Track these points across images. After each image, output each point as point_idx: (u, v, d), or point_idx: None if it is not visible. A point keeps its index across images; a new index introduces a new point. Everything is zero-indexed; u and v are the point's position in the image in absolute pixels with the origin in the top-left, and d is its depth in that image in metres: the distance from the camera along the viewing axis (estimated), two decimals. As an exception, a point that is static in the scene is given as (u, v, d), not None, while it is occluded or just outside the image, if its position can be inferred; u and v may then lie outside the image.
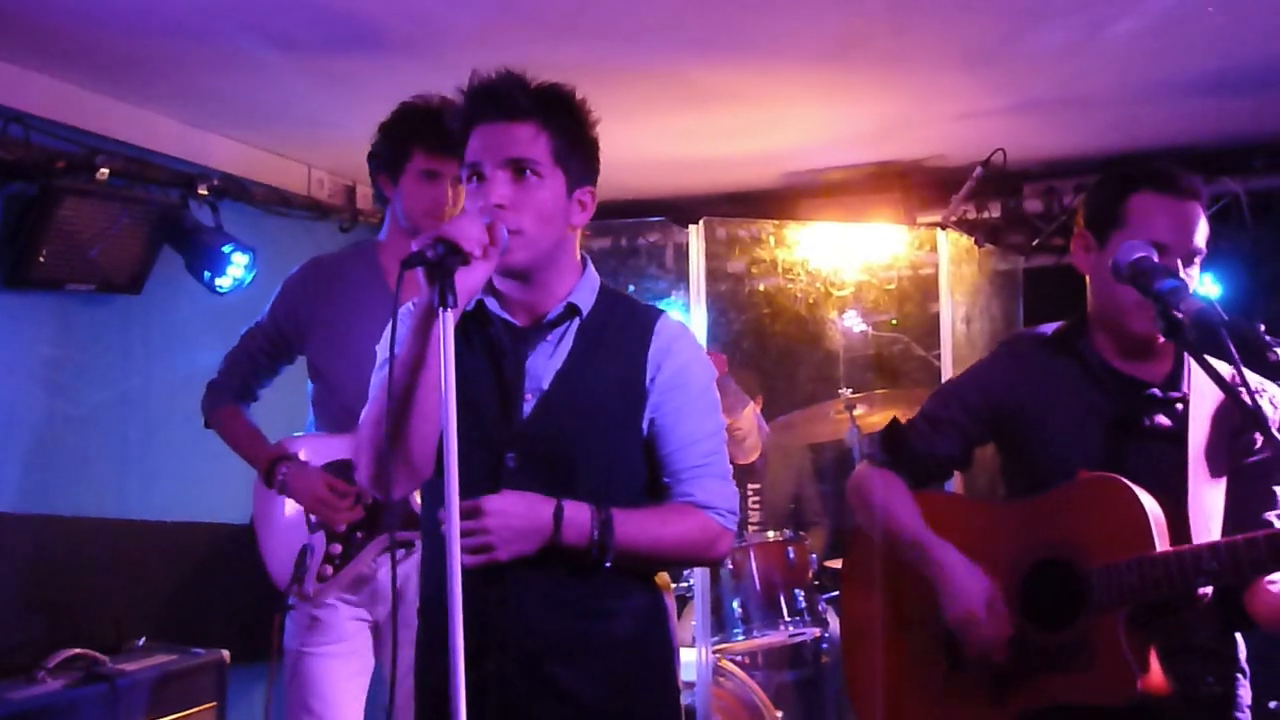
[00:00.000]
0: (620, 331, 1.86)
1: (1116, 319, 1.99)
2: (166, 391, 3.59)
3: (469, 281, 1.63)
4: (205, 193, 3.57)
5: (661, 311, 1.93)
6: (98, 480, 3.45)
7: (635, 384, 1.84)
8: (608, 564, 1.73)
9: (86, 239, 3.21)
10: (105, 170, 3.24)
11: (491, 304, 1.86)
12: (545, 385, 1.83)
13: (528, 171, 1.75)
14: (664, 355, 1.85)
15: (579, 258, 1.90)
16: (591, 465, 1.82)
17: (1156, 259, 1.78)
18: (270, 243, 3.78)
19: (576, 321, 1.86)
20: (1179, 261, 1.90)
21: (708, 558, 1.89)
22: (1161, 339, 1.96)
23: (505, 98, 1.75)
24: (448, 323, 1.53)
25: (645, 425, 1.85)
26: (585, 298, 1.87)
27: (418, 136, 2.61)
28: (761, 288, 4.58)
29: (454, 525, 1.49)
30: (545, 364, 1.84)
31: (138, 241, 3.37)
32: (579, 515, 1.74)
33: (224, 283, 3.52)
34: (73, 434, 3.37)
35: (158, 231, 3.41)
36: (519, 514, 1.72)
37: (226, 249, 3.48)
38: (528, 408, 1.82)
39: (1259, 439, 1.93)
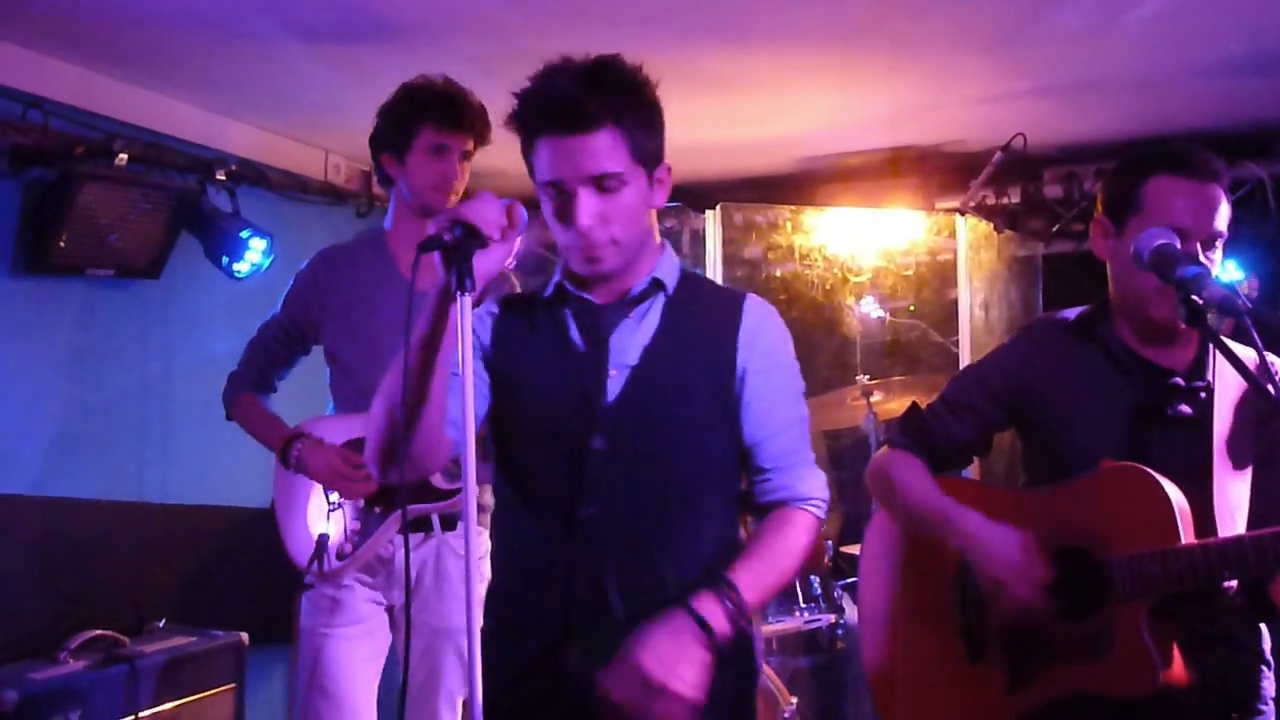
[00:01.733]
0: (708, 309, 1.80)
1: (1138, 305, 1.96)
2: (185, 376, 3.61)
3: (487, 265, 1.58)
4: (223, 178, 3.58)
5: (747, 292, 1.87)
6: (117, 464, 3.47)
7: (726, 361, 1.76)
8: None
9: (105, 224, 3.22)
10: (124, 156, 3.25)
11: (569, 285, 1.80)
12: (633, 361, 1.75)
13: (612, 183, 1.68)
14: (755, 335, 1.78)
15: (657, 235, 1.84)
16: (683, 447, 1.75)
17: (1178, 245, 1.76)
18: (288, 228, 3.79)
19: (662, 297, 1.79)
20: (1199, 246, 1.87)
21: (814, 556, 1.85)
22: (1184, 326, 1.94)
23: (579, 110, 1.64)
24: (466, 307, 1.51)
25: (742, 408, 1.78)
26: (669, 275, 1.81)
27: (426, 111, 2.63)
28: (778, 273, 4.56)
29: (470, 505, 1.46)
30: (631, 339, 1.77)
31: (156, 227, 3.39)
32: (714, 614, 1.63)
33: (242, 268, 3.53)
34: (93, 418, 3.40)
35: (176, 217, 3.42)
36: (677, 658, 1.59)
37: (244, 234, 3.49)
38: (614, 386, 1.74)
39: None
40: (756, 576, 1.70)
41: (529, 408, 1.79)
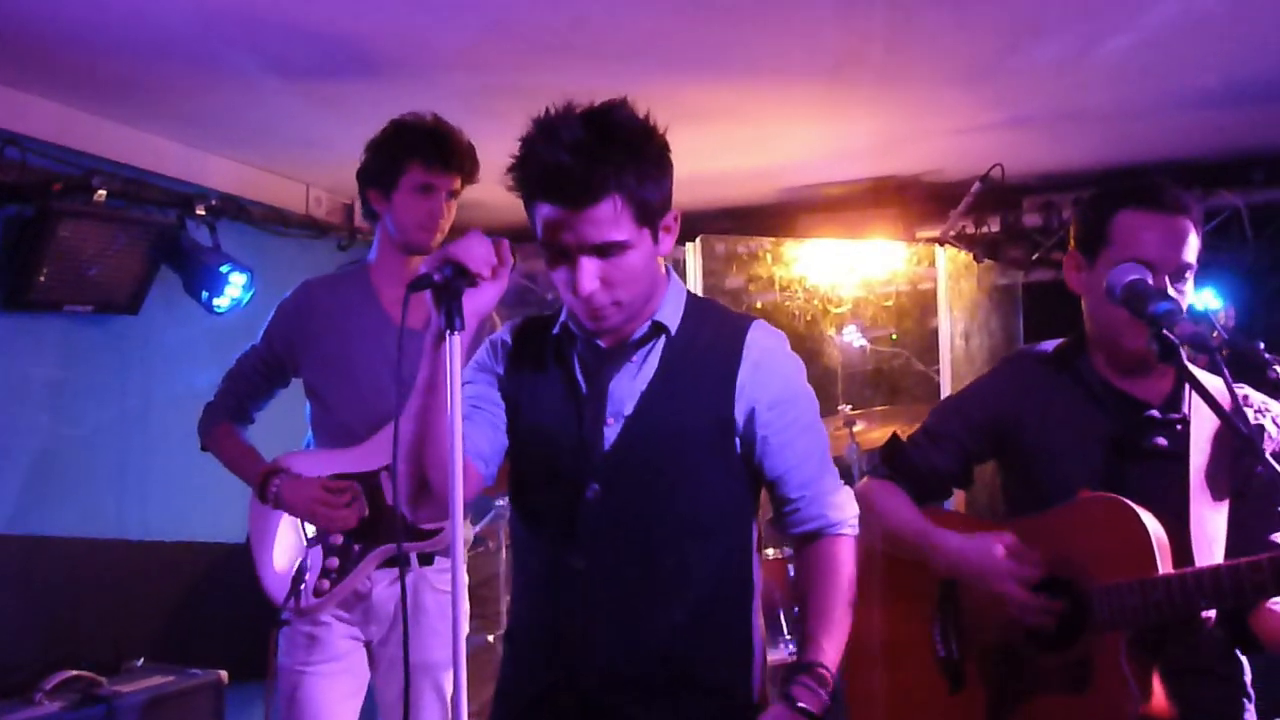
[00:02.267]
0: (709, 348, 1.76)
1: (1111, 338, 1.97)
2: (164, 411, 3.59)
3: (478, 303, 1.59)
4: (203, 212, 3.57)
5: (752, 320, 1.82)
6: (95, 500, 3.45)
7: (725, 404, 1.73)
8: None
9: (85, 260, 3.21)
10: (103, 191, 3.24)
11: (574, 326, 1.79)
12: (628, 409, 1.74)
13: (615, 251, 1.64)
14: (758, 372, 1.75)
15: (663, 274, 1.80)
16: (680, 492, 1.73)
17: (1150, 280, 1.77)
18: (268, 262, 3.78)
19: (663, 339, 1.77)
20: (1167, 279, 1.88)
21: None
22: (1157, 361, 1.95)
23: (580, 183, 1.59)
24: (454, 347, 1.51)
25: (748, 446, 1.76)
26: (672, 314, 1.78)
27: (413, 150, 2.63)
28: (759, 304, 4.57)
29: (457, 537, 1.47)
30: (629, 386, 1.75)
31: (136, 262, 3.38)
32: (812, 700, 1.67)
33: (222, 303, 3.52)
34: (71, 454, 3.37)
35: (156, 252, 3.42)
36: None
37: (224, 269, 3.48)
38: (610, 434, 1.73)
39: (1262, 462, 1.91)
40: (836, 637, 1.73)
41: (533, 446, 1.80)
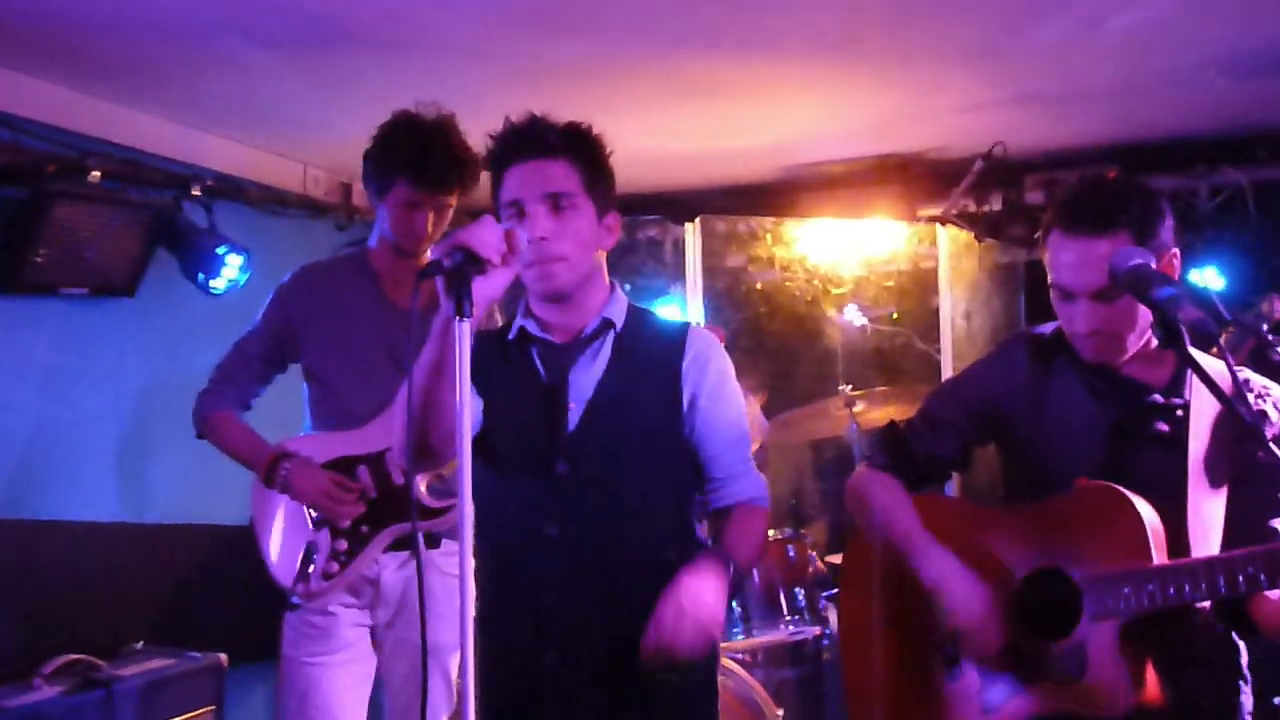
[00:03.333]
0: (653, 341, 2.01)
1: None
2: (162, 394, 3.57)
3: (487, 290, 1.66)
4: (199, 193, 3.55)
5: (688, 323, 2.10)
6: (93, 483, 3.44)
7: (673, 389, 1.98)
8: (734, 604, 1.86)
9: (80, 242, 3.19)
10: (98, 173, 3.21)
11: (531, 327, 1.99)
12: (587, 394, 1.95)
13: (564, 203, 1.88)
14: (701, 364, 1.99)
15: (608, 279, 2.03)
16: (636, 466, 1.95)
17: (1153, 264, 1.75)
18: (266, 243, 3.76)
19: (611, 335, 1.98)
20: (1086, 300, 1.87)
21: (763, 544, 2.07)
22: (1157, 343, 1.94)
23: (538, 138, 1.89)
24: (463, 333, 1.55)
25: (688, 429, 1.99)
26: (618, 313, 1.99)
27: (402, 168, 2.60)
28: (759, 284, 4.55)
29: (466, 515, 1.52)
30: (586, 375, 1.96)
31: (132, 244, 3.36)
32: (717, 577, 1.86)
33: (219, 284, 3.50)
34: (68, 437, 3.36)
35: (152, 234, 3.39)
36: (702, 587, 1.83)
37: (221, 250, 3.46)
38: (574, 416, 1.94)
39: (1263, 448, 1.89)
40: (742, 553, 1.95)
41: (504, 431, 1.97)
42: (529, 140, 1.90)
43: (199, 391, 2.80)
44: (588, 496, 1.92)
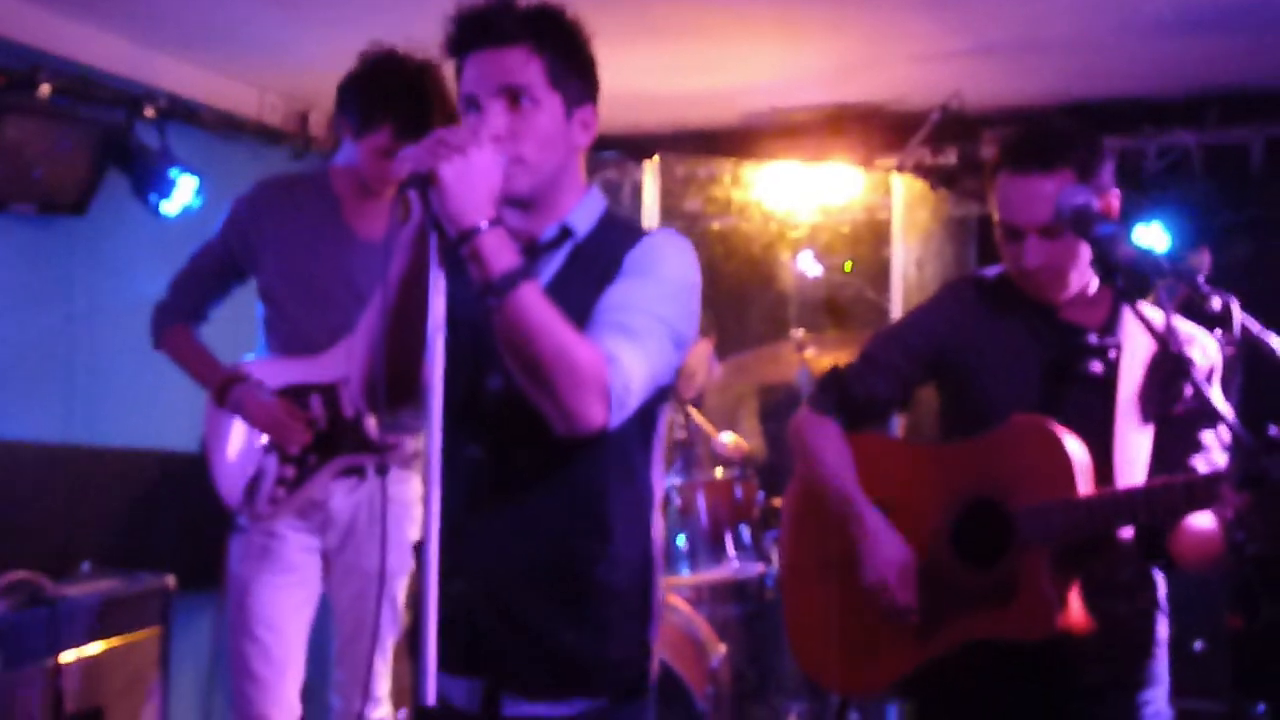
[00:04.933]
0: (611, 252, 1.74)
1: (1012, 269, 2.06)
2: (112, 315, 3.53)
3: (481, 184, 1.53)
4: (152, 114, 3.48)
5: (662, 229, 1.83)
6: (43, 404, 3.41)
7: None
8: (490, 302, 1.55)
9: (29, 159, 3.13)
10: (47, 87, 3.15)
11: None
12: None
13: (523, 98, 1.67)
14: (638, 252, 1.72)
15: (583, 180, 1.81)
16: None
17: (1095, 205, 1.81)
18: (219, 168, 3.70)
19: (569, 244, 1.76)
20: (1034, 236, 1.95)
21: (579, 400, 1.56)
22: (1095, 286, 2.00)
23: (493, 24, 1.68)
24: (437, 244, 1.50)
25: None
26: (583, 219, 1.77)
27: (388, 114, 2.53)
28: (715, 227, 4.58)
29: (435, 451, 1.44)
30: None
31: (82, 162, 3.30)
32: (506, 242, 1.55)
33: (170, 207, 3.45)
34: (17, 357, 3.32)
35: (103, 153, 3.34)
36: (484, 171, 1.54)
37: (173, 173, 3.41)
38: None
39: (1189, 388, 1.97)
40: (544, 300, 1.56)
41: (449, 347, 1.70)
42: (484, 27, 1.68)
43: (155, 303, 2.79)
44: (518, 416, 1.64)
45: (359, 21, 2.61)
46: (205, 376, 2.71)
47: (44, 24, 3.25)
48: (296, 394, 2.67)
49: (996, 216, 2.02)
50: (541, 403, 1.58)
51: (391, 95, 2.55)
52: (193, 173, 3.45)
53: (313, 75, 2.68)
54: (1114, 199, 1.98)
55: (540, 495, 1.74)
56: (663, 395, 1.80)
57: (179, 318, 2.77)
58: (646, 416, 1.77)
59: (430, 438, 1.45)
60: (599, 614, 1.74)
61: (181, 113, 3.67)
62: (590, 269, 1.74)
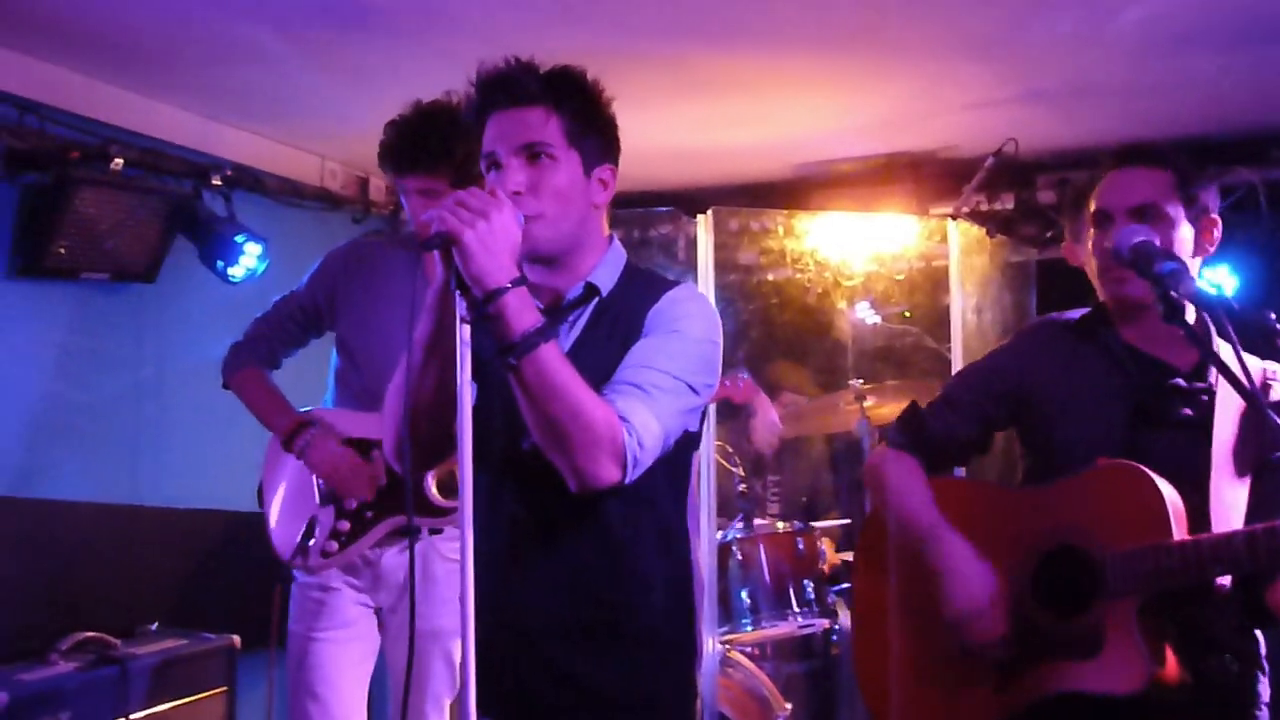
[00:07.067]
0: (634, 306, 1.78)
1: (1112, 293, 2.01)
2: (178, 380, 3.62)
3: (503, 242, 1.58)
4: (219, 183, 3.60)
5: (681, 282, 1.85)
6: (110, 467, 3.49)
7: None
8: (510, 361, 1.58)
9: (102, 229, 3.24)
10: (119, 160, 3.27)
11: None
12: None
13: (542, 155, 1.72)
14: (660, 309, 1.76)
15: (605, 236, 1.85)
16: None
17: (1157, 243, 1.77)
18: (283, 233, 3.80)
19: (595, 301, 1.81)
20: (1123, 217, 1.94)
21: (592, 460, 1.60)
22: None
23: (514, 84, 1.73)
24: (460, 303, 1.53)
25: None
26: (606, 276, 1.82)
27: (409, 165, 2.56)
28: (771, 278, 4.57)
29: (467, 512, 1.47)
30: (560, 345, 1.73)
31: (152, 231, 3.41)
32: (528, 302, 1.60)
33: (237, 272, 3.55)
34: (86, 421, 3.41)
35: (172, 221, 3.45)
36: (505, 232, 1.58)
37: (239, 239, 3.51)
38: None
39: None
40: (563, 361, 1.60)
41: (475, 401, 1.75)
42: (505, 87, 1.74)
43: (232, 343, 2.81)
44: (552, 474, 1.65)
45: (413, 87, 2.66)
46: (275, 418, 2.71)
47: (116, 100, 3.39)
48: (362, 448, 2.68)
49: (1092, 206, 2.02)
50: (556, 460, 1.62)
51: (405, 143, 2.56)
52: (257, 239, 3.53)
53: (370, 142, 2.73)
54: (1213, 226, 1.98)
55: (577, 548, 1.77)
56: (691, 442, 1.84)
57: (253, 360, 2.78)
58: (676, 465, 1.82)
59: (462, 491, 1.47)
60: (640, 658, 1.79)
61: (247, 181, 3.79)
62: (615, 327, 1.78)
